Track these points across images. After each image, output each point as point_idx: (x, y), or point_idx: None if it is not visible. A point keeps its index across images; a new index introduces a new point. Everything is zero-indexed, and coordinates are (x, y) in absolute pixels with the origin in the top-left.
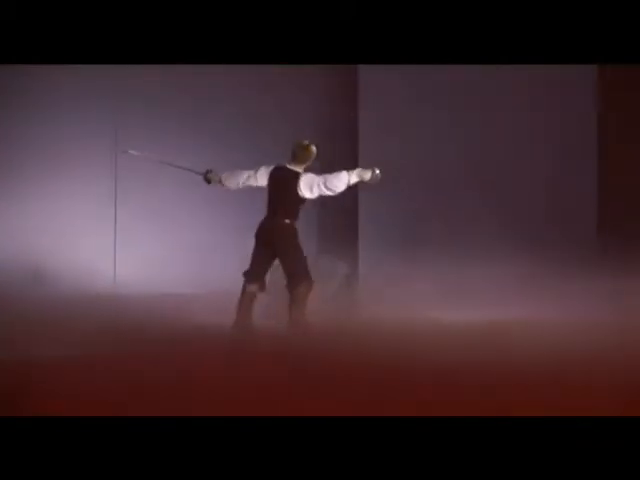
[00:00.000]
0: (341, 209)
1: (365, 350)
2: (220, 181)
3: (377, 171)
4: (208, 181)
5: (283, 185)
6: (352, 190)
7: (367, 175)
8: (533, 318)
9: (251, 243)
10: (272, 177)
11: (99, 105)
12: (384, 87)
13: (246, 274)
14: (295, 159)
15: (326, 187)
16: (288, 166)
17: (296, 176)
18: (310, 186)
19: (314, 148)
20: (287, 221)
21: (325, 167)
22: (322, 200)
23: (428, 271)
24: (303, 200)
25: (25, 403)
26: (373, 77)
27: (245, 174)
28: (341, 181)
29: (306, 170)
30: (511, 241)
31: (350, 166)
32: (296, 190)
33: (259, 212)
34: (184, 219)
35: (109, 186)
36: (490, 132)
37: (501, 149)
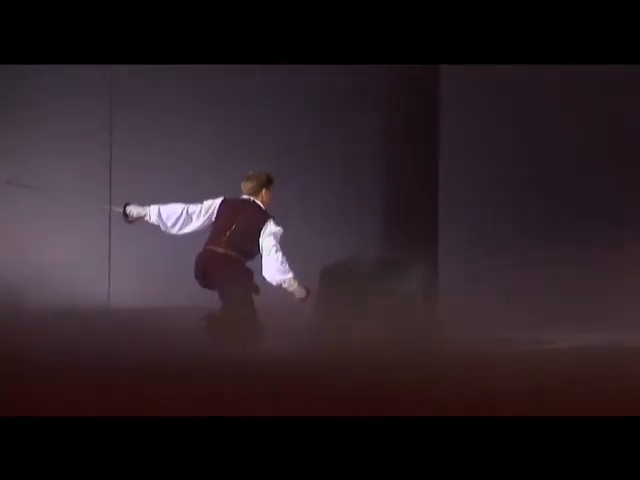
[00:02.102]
0: (415, 203)
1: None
2: (144, 217)
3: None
4: (127, 217)
5: (245, 218)
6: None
7: (300, 293)
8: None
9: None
10: (229, 207)
11: (93, 108)
12: (466, 87)
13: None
14: (253, 188)
15: (274, 261)
16: (254, 199)
17: (263, 216)
18: (269, 242)
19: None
20: (233, 254)
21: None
22: (390, 192)
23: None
24: (258, 243)
25: (24, 403)
26: (455, 78)
27: (183, 208)
28: (279, 275)
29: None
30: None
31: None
32: (259, 228)
33: None
34: None
35: (104, 188)
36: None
37: (592, 152)
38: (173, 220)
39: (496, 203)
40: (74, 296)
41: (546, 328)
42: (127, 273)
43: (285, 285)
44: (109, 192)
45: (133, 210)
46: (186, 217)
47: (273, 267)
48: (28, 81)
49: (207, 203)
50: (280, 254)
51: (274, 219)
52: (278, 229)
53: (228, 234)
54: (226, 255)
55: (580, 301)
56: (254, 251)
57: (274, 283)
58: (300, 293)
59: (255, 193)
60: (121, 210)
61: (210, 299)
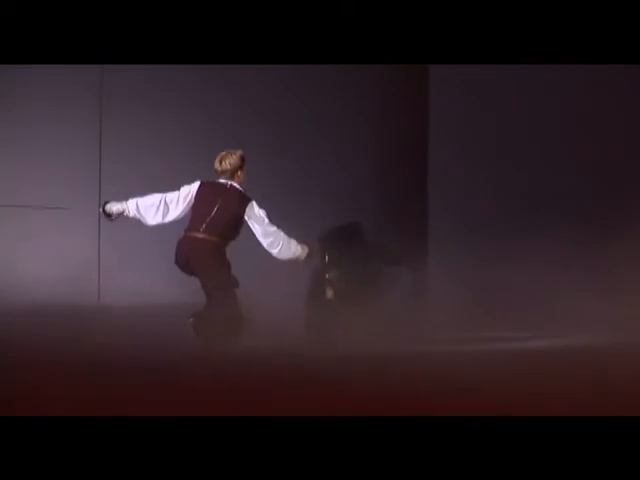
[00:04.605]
0: (403, 199)
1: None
2: (124, 212)
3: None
4: (109, 215)
5: (225, 202)
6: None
7: (304, 253)
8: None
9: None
10: (207, 191)
11: (82, 107)
12: (456, 87)
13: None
14: (228, 171)
15: (283, 241)
16: (231, 182)
17: (243, 201)
18: (268, 227)
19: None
20: (214, 239)
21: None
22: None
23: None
24: (238, 227)
25: (25, 403)
26: (444, 78)
27: (160, 198)
28: (292, 251)
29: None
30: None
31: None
32: (240, 213)
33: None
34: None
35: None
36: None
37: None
38: (152, 212)
39: (487, 203)
40: (63, 295)
41: (544, 327)
42: (116, 271)
43: (296, 255)
44: (99, 188)
45: (112, 207)
46: (164, 207)
47: (285, 247)
48: (19, 79)
49: (184, 190)
50: (282, 233)
51: (254, 201)
52: (263, 211)
53: (208, 220)
54: (206, 240)
55: (574, 300)
56: (234, 235)
57: (287, 259)
58: (304, 253)
59: (231, 177)
60: (101, 210)
61: (198, 294)
